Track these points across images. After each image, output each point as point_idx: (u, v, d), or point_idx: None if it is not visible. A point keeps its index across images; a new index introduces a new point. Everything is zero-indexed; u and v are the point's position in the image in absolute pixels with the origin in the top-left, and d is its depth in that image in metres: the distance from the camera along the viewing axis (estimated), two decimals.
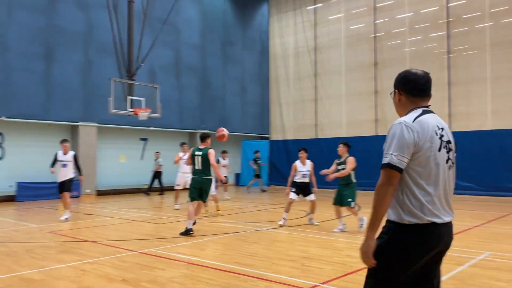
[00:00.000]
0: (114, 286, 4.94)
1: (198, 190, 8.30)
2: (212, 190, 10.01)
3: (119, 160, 19.35)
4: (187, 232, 8.06)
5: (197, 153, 8.45)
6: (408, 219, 2.27)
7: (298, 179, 9.42)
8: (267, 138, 24.79)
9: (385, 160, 2.28)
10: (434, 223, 2.27)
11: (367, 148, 19.88)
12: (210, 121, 22.40)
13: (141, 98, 16.13)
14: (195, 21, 22.03)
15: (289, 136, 23.65)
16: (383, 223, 2.39)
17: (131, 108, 15.71)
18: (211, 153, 8.30)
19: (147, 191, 18.26)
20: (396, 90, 2.51)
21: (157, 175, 18.45)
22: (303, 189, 9.42)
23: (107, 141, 18.89)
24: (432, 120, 2.37)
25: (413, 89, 2.44)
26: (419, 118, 2.33)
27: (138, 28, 17.06)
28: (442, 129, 2.40)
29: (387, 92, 19.58)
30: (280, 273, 5.41)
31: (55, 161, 10.48)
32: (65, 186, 10.34)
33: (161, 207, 14.06)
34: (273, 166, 23.36)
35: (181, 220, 10.37)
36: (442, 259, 2.47)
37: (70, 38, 17.05)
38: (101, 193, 17.95)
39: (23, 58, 15.76)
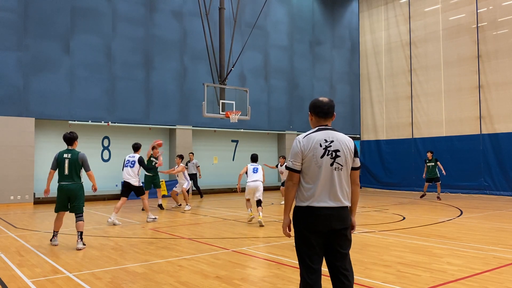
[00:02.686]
0: (208, 282, 5.11)
1: None
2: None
3: (213, 161, 20.13)
4: None
5: None
6: (297, 203, 3.27)
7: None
8: (357, 138, 24.10)
9: (287, 164, 3.34)
10: (311, 206, 3.17)
11: (470, 148, 18.49)
12: (298, 122, 22.39)
13: (232, 102, 16.66)
14: (283, 22, 22.16)
15: (382, 136, 22.72)
16: None
17: (223, 111, 16.30)
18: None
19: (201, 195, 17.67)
20: (309, 112, 3.46)
21: (192, 177, 16.42)
22: None
23: (202, 143, 19.78)
24: (321, 136, 3.25)
25: (319, 112, 3.38)
26: (309, 135, 3.27)
27: (229, 34, 17.66)
28: (332, 141, 3.23)
29: (492, 87, 17.96)
30: (373, 278, 5.19)
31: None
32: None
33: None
34: (364, 167, 22.58)
35: (272, 220, 10.47)
36: (344, 245, 3.21)
37: (166, 47, 18.17)
38: (196, 193, 18.81)
39: (125, 67, 17.14)
